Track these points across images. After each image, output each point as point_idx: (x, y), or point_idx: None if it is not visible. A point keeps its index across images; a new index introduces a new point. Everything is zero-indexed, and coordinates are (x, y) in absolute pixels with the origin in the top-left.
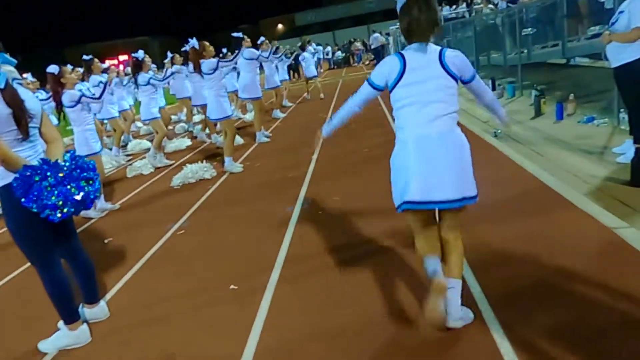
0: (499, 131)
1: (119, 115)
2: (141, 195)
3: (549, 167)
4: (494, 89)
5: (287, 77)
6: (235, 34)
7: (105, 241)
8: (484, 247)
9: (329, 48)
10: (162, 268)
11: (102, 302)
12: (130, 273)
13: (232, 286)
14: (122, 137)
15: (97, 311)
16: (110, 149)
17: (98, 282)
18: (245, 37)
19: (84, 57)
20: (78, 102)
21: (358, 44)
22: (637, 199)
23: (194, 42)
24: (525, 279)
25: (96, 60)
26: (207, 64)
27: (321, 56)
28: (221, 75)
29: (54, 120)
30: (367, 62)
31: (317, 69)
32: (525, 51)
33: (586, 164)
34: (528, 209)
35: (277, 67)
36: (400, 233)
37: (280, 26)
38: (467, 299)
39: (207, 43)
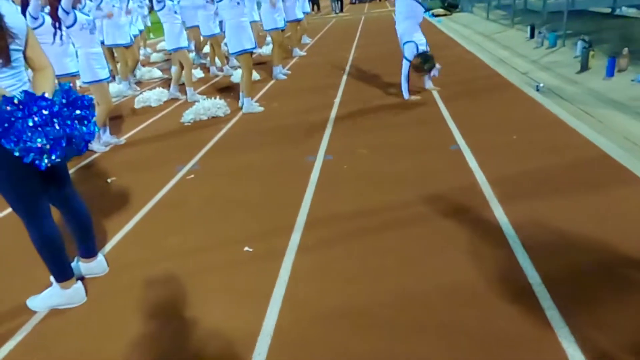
0: (542, 85)
1: (132, 41)
2: (149, 130)
3: (604, 132)
4: (532, 36)
5: (309, 10)
6: None
7: (108, 180)
8: (541, 228)
9: None
10: (169, 218)
11: (100, 256)
12: (134, 221)
13: (246, 248)
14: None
15: (94, 266)
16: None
17: (95, 233)
18: None
19: None
20: (75, 21)
21: None
22: None
23: None
24: (594, 268)
25: None
26: None
27: None
28: (240, 2)
29: None
30: None
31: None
32: None
33: None
34: (590, 183)
35: None
36: (437, 198)
37: None
38: (525, 293)
39: None
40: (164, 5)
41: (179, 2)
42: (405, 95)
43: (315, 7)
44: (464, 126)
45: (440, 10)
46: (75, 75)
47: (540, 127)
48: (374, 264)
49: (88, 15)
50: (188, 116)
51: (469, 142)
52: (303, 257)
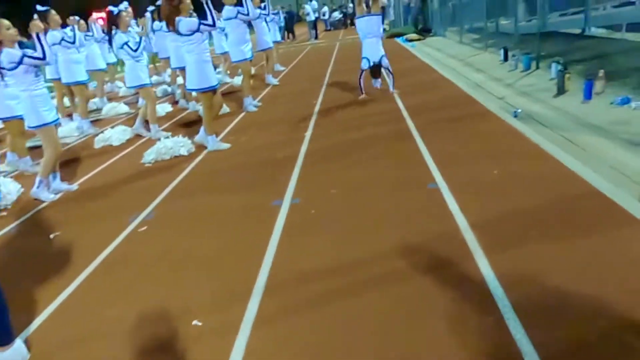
0: (520, 110)
1: (88, 80)
2: (106, 173)
3: (589, 162)
4: (506, 59)
5: (279, 39)
6: None
7: (51, 236)
8: (534, 285)
9: (325, 8)
10: (112, 282)
11: (18, 342)
12: (72, 288)
13: (195, 321)
14: (96, 100)
15: (9, 355)
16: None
17: (20, 309)
18: None
19: (39, 7)
20: (20, 62)
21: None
22: None
23: None
24: (599, 339)
25: (53, 12)
26: (186, 23)
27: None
28: (203, 38)
29: None
30: None
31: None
32: (541, 19)
33: (632, 159)
34: (582, 224)
35: (268, 26)
36: (415, 249)
37: None
38: None
39: None
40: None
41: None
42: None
43: (291, 34)
44: (442, 160)
45: (414, 35)
46: (22, 119)
47: (521, 159)
48: (343, 339)
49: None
50: (149, 156)
51: (448, 179)
52: (260, 332)
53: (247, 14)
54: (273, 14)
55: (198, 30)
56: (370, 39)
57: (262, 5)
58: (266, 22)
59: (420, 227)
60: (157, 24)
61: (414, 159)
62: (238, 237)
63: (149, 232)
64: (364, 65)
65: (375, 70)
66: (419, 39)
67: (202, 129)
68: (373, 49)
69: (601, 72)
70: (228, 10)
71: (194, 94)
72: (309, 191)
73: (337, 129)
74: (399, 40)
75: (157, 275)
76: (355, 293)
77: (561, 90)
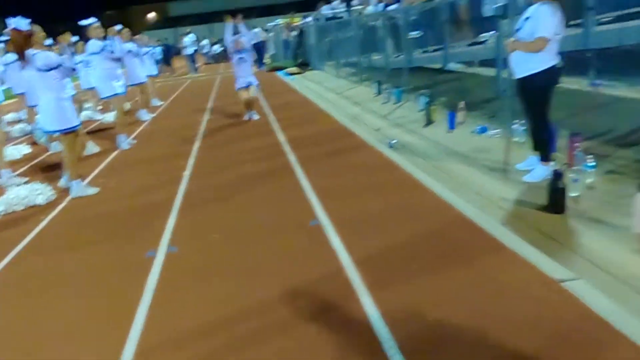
0: (395, 141)
1: None
2: None
3: (458, 190)
4: (379, 92)
5: (155, 72)
6: (83, 22)
7: None
8: (417, 321)
9: (206, 41)
10: None
11: None
12: None
13: None
14: None
15: None
16: None
17: None
18: (94, 24)
19: None
20: None
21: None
22: (560, 229)
23: (17, 21)
24: None
25: None
26: (43, 57)
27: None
28: (61, 74)
29: None
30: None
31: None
32: (408, 55)
33: (494, 184)
34: (456, 254)
35: (141, 60)
36: (299, 294)
37: (151, 15)
38: None
39: (38, 27)
40: None
41: None
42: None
43: (169, 68)
44: (324, 195)
45: (294, 69)
46: None
47: (398, 190)
48: None
49: None
50: None
51: (330, 215)
52: None
53: (113, 52)
54: (148, 47)
55: (56, 68)
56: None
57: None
58: (139, 55)
59: (303, 269)
60: (9, 56)
61: (295, 195)
62: (103, 299)
63: None
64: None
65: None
66: (299, 73)
67: (72, 183)
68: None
69: (461, 104)
70: (93, 44)
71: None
72: (187, 238)
73: (217, 166)
74: (279, 73)
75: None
76: (235, 352)
77: (429, 121)
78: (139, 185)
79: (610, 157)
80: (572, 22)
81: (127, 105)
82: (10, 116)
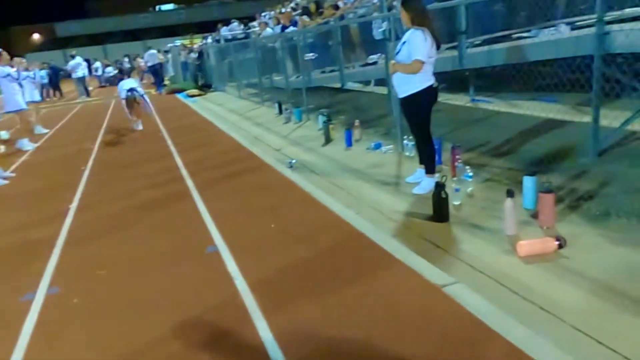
0: (294, 161)
1: None
2: None
3: (353, 204)
4: (281, 112)
5: (39, 99)
6: None
7: None
8: (310, 337)
9: (98, 63)
10: None
11: None
12: None
13: None
14: None
15: None
16: None
17: None
18: None
19: None
20: None
21: (141, 60)
22: (444, 236)
23: None
24: None
25: None
26: None
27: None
28: None
29: None
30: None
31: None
32: (307, 75)
33: (386, 197)
34: (350, 271)
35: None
36: (193, 325)
37: (36, 36)
38: None
39: None
40: None
41: None
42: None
43: (57, 92)
44: (221, 220)
45: (195, 91)
46: None
47: (295, 209)
48: None
49: None
50: None
51: (228, 239)
52: None
53: None
54: (29, 71)
55: None
56: None
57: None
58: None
59: (198, 298)
60: None
61: (192, 222)
62: None
63: None
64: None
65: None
66: (200, 94)
67: None
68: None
69: (357, 122)
70: None
71: None
72: (71, 276)
73: (109, 196)
74: (179, 96)
75: None
76: None
77: (328, 139)
78: (18, 223)
79: (487, 166)
80: (449, 45)
81: (5, 135)
82: None
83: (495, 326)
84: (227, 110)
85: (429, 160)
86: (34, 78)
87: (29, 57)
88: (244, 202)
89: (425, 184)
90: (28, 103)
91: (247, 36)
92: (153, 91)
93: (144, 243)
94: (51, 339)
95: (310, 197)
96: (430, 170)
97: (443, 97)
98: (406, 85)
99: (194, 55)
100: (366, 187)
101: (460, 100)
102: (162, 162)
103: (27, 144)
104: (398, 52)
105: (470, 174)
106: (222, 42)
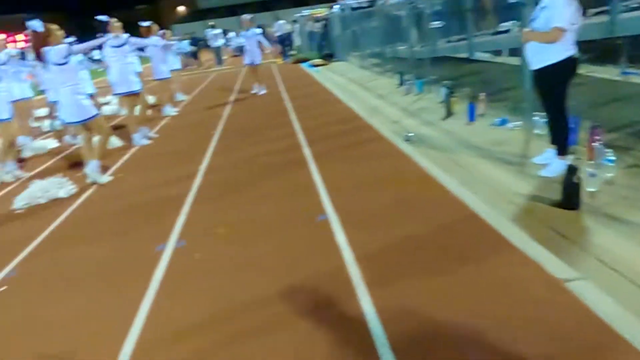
0: (412, 135)
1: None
2: None
3: (472, 185)
4: (402, 83)
5: (179, 67)
6: (100, 17)
7: None
8: (412, 321)
9: (232, 34)
10: None
11: None
12: None
13: None
14: None
15: None
16: None
17: None
18: (112, 20)
19: None
20: None
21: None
22: (572, 226)
23: (32, 24)
24: None
25: None
26: (56, 51)
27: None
28: (76, 66)
29: None
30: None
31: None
32: (432, 45)
33: (508, 178)
34: (462, 253)
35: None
36: (298, 290)
37: (181, 8)
38: None
39: (55, 26)
40: None
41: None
42: None
43: (196, 61)
44: (334, 189)
45: (318, 60)
46: None
47: (409, 184)
48: None
49: None
50: (21, 201)
51: (339, 210)
52: None
53: (120, 45)
54: (172, 41)
55: (68, 57)
56: None
57: (160, 32)
58: (164, 50)
59: (305, 265)
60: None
61: (306, 190)
62: (108, 295)
63: (6, 294)
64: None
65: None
66: (323, 64)
67: (91, 162)
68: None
69: (482, 95)
70: (113, 40)
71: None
72: (196, 232)
73: (233, 160)
74: (304, 65)
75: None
76: (232, 346)
77: (449, 113)
78: (156, 180)
79: (634, 150)
80: (598, 10)
81: (151, 100)
82: (41, 111)
83: (625, 332)
84: (347, 80)
85: (561, 140)
86: (177, 48)
87: (173, 29)
88: (358, 173)
89: (555, 166)
90: (171, 71)
91: (371, 4)
92: (280, 60)
93: (259, 206)
94: (175, 287)
95: (426, 172)
96: (562, 151)
97: (585, 70)
98: (541, 55)
99: (319, 25)
100: (487, 165)
101: (607, 73)
102: (282, 129)
103: (170, 110)
104: (534, 19)
105: (612, 158)
106: (347, 11)
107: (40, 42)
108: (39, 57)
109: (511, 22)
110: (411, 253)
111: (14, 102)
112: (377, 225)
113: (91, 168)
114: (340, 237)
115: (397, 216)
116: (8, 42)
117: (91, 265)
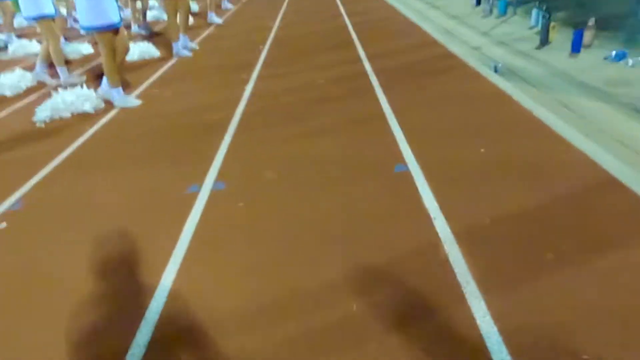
0: (500, 64)
1: None
2: None
3: (593, 135)
4: (479, 3)
5: None
6: None
7: None
8: (540, 325)
9: None
10: None
11: None
12: None
13: None
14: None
15: None
16: None
17: None
18: None
19: None
20: None
21: None
22: None
23: None
24: None
25: None
26: None
27: None
28: None
29: None
30: None
31: None
32: None
33: (638, 130)
34: (604, 236)
35: None
36: (376, 277)
37: None
38: None
39: None
40: None
41: None
42: None
43: None
44: (413, 131)
45: None
46: None
47: (514, 133)
48: None
49: None
50: (42, 113)
51: (421, 160)
52: None
53: None
54: None
55: None
56: None
57: None
58: None
59: (382, 236)
60: None
61: (376, 129)
62: (129, 244)
63: (6, 234)
64: None
65: None
66: None
67: (104, 79)
68: None
69: (591, 21)
70: None
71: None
72: (238, 172)
73: (284, 84)
74: None
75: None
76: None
77: (545, 41)
78: (194, 101)
79: None
80: None
81: (195, 7)
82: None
83: None
84: None
85: None
86: None
87: None
88: (442, 112)
89: None
90: None
91: None
92: None
93: (318, 146)
94: (206, 251)
95: (532, 116)
96: None
97: None
98: None
99: None
100: (608, 111)
101: None
102: (342, 52)
103: (215, 18)
104: None
105: None
106: None
107: None
108: None
109: None
110: (533, 237)
111: None
112: (476, 186)
113: (116, 96)
114: (429, 199)
115: (503, 175)
116: None
117: (109, 202)
